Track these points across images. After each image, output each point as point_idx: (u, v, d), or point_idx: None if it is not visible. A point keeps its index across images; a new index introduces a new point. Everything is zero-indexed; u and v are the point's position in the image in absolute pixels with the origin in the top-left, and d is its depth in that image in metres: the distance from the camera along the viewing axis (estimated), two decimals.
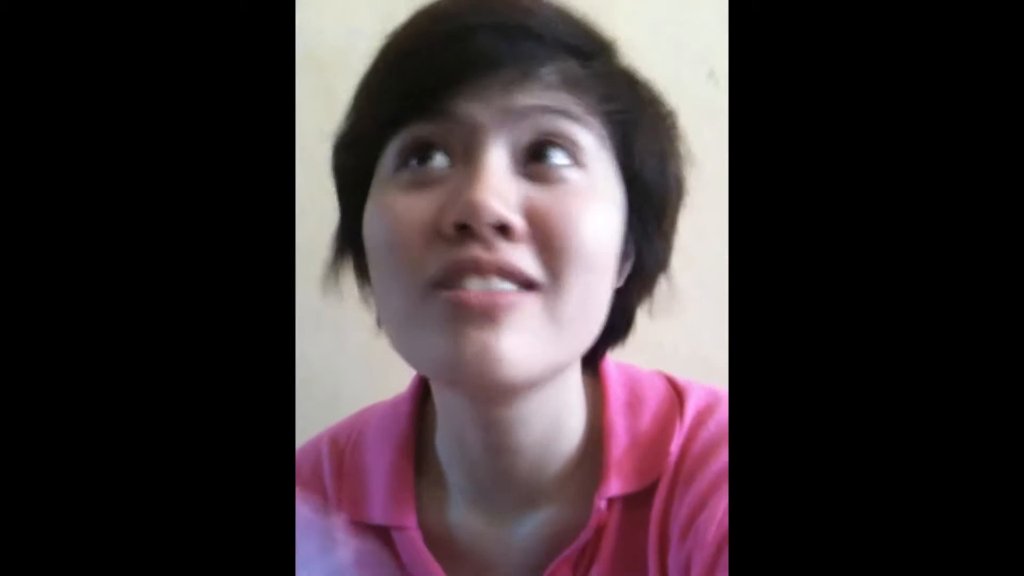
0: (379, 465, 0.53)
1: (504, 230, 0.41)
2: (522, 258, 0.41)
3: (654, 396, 0.51)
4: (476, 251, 0.41)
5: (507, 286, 0.41)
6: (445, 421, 0.51)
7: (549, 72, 0.43)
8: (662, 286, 0.52)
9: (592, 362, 0.52)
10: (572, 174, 0.43)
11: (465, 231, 0.41)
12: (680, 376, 0.53)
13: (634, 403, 0.51)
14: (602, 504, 0.48)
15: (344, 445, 0.56)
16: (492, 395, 0.44)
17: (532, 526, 0.50)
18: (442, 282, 0.41)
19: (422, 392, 0.55)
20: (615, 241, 0.45)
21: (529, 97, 0.42)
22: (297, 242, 0.38)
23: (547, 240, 0.41)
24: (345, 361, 0.78)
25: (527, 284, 0.42)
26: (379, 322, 0.51)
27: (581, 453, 0.50)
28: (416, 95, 0.43)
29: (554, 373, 0.45)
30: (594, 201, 0.43)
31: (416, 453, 0.54)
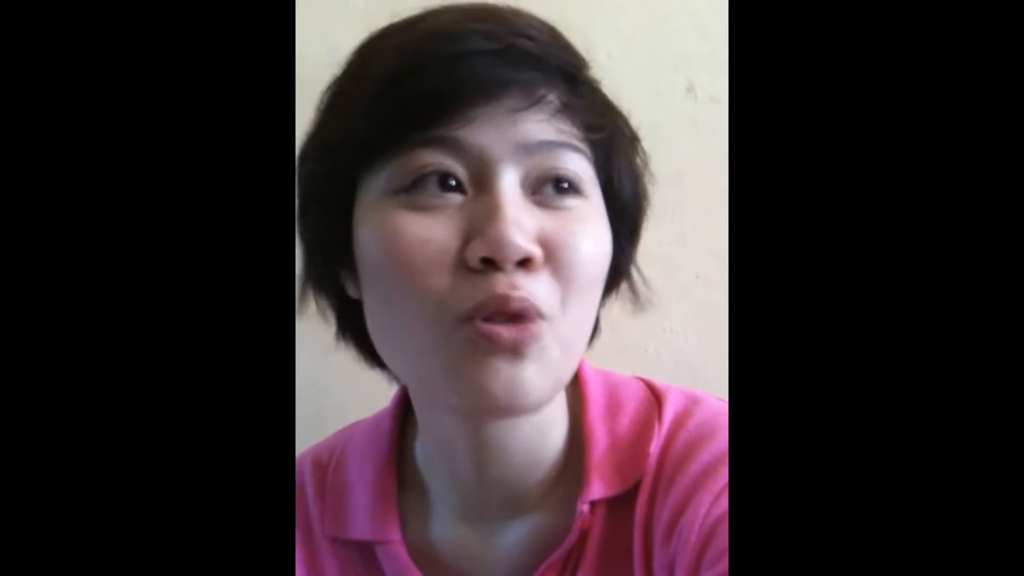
0: (362, 482, 0.53)
1: (526, 262, 0.42)
2: (542, 290, 0.42)
3: (632, 400, 0.51)
4: (503, 287, 0.41)
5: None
6: (430, 436, 0.51)
7: (551, 100, 0.43)
8: (644, 294, 0.53)
9: None
10: (575, 202, 0.44)
11: (490, 263, 0.42)
12: (660, 380, 0.54)
13: (613, 407, 0.51)
14: (585, 508, 0.48)
15: (327, 464, 0.56)
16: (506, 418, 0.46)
17: (517, 534, 0.50)
18: (471, 316, 0.42)
19: (403, 408, 0.55)
20: (608, 261, 0.46)
21: (536, 128, 0.43)
22: None
23: (559, 269, 0.43)
24: (330, 378, 0.78)
25: (541, 314, 0.43)
26: (340, 335, 0.53)
27: (563, 458, 0.50)
28: (421, 122, 0.42)
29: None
30: (595, 227, 0.45)
31: (399, 468, 0.54)
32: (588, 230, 0.44)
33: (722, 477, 0.45)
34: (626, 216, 0.49)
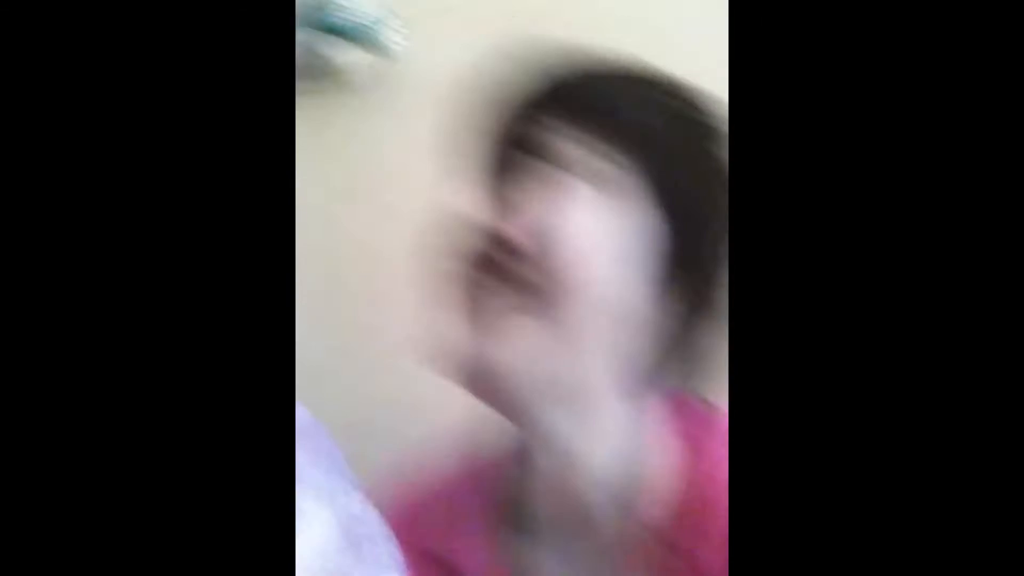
0: None
1: None
2: None
3: (690, 421, 0.53)
4: None
5: None
6: None
7: None
8: None
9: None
10: None
11: None
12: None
13: (674, 431, 0.52)
14: (638, 532, 0.49)
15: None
16: None
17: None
18: None
19: None
20: None
21: None
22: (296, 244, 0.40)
23: None
24: (346, 363, 0.79)
25: None
26: None
27: (618, 481, 0.51)
28: None
29: None
30: None
31: None
32: None
33: None
34: None
